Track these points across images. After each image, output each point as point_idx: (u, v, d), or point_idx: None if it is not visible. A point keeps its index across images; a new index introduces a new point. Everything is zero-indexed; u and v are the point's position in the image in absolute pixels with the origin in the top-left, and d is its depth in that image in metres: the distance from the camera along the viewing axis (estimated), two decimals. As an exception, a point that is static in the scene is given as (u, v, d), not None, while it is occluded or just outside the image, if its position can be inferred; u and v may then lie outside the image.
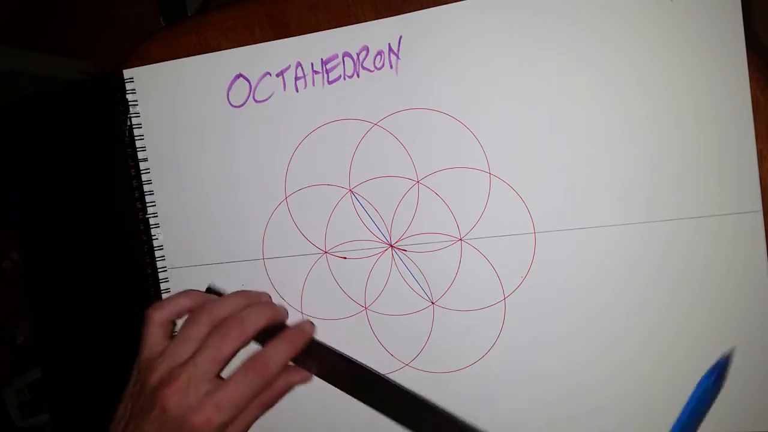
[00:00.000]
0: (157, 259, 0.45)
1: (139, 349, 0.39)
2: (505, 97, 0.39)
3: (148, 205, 0.45)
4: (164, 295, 0.45)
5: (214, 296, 0.42)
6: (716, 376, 0.28)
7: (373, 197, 0.41)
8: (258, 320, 0.38)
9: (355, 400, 0.40)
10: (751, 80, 0.35)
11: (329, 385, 0.40)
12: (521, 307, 0.39)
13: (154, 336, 0.39)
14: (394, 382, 0.40)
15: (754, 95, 0.35)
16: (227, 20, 0.43)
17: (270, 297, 0.43)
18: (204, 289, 0.43)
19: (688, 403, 0.30)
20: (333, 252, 0.42)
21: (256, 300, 0.41)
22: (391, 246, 0.41)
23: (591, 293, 0.38)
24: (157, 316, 0.39)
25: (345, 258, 0.42)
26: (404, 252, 0.41)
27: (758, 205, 0.36)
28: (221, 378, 0.37)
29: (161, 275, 0.45)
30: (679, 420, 0.30)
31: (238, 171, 0.43)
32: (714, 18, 0.35)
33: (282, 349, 0.38)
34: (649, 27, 0.36)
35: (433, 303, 0.41)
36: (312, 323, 0.41)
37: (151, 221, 0.45)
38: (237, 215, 0.43)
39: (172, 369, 0.36)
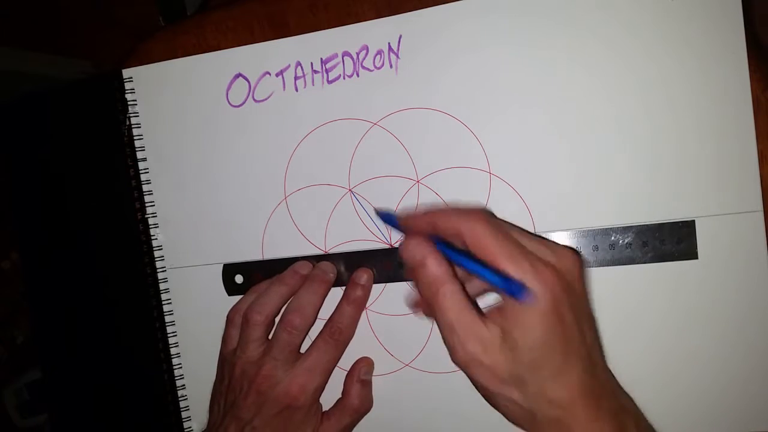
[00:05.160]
0: (156, 259, 0.45)
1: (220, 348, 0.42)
2: (505, 97, 0.38)
3: (147, 205, 0.45)
4: (163, 296, 0.45)
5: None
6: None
7: (373, 197, 0.41)
8: (313, 301, 0.40)
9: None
10: (751, 80, 0.35)
11: None
12: (521, 307, 0.39)
13: (231, 337, 0.41)
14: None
15: (754, 95, 0.35)
16: (227, 20, 0.43)
17: (310, 264, 0.41)
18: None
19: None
20: (333, 252, 0.42)
21: (297, 281, 0.40)
22: (392, 246, 0.41)
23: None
24: (234, 317, 0.41)
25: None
26: (404, 252, 0.41)
27: (759, 205, 0.36)
28: (301, 353, 0.40)
29: (161, 275, 0.45)
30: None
31: (237, 171, 0.43)
32: (714, 18, 0.35)
33: (347, 311, 0.40)
34: (649, 27, 0.36)
35: (432, 303, 0.41)
36: (366, 272, 0.41)
37: (151, 221, 0.45)
38: (237, 215, 0.43)
39: (253, 361, 0.39)
